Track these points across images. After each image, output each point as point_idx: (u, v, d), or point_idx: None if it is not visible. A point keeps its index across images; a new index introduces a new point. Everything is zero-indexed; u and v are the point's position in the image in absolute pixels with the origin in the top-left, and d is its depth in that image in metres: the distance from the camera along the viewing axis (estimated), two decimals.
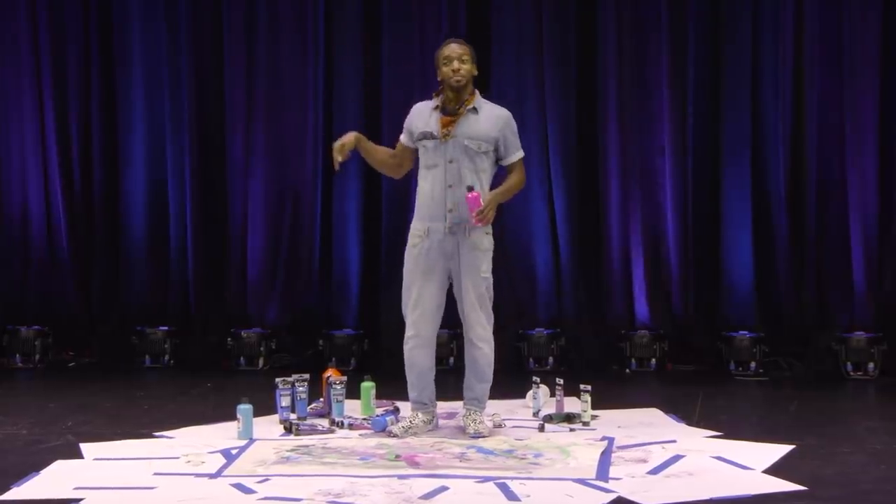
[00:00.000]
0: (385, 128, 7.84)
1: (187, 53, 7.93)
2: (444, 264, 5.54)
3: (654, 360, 7.57)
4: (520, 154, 5.63)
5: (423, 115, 5.61)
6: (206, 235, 8.04)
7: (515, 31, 7.75)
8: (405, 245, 5.64)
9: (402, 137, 5.70)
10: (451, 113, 5.53)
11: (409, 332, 5.59)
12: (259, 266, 7.99)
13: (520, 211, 7.75)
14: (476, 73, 5.57)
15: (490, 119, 5.55)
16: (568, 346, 7.68)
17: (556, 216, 7.76)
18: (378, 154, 5.80)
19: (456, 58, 5.50)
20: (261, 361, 7.75)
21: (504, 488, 4.64)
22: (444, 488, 4.64)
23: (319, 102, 7.90)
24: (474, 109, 5.54)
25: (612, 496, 4.55)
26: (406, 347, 5.60)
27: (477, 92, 5.61)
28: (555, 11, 7.69)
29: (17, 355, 7.89)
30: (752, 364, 7.38)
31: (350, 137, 5.60)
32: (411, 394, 5.65)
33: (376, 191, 7.89)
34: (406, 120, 5.69)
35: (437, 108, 5.59)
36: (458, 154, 5.50)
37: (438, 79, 5.58)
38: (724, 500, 4.51)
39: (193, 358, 7.89)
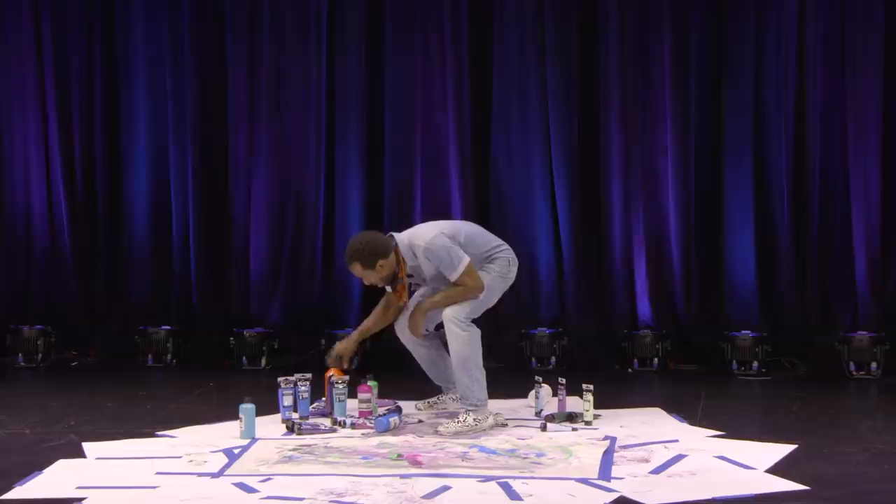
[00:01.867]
0: (387, 127, 7.85)
1: (190, 53, 7.93)
2: None
3: (656, 360, 7.56)
4: (455, 273, 5.65)
5: None
6: (209, 235, 8.04)
7: (517, 30, 7.74)
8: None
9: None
10: (392, 288, 5.85)
11: None
12: (262, 266, 8.00)
13: (522, 211, 7.75)
14: (388, 261, 5.66)
15: (423, 261, 5.72)
16: (570, 346, 7.67)
17: (558, 216, 7.76)
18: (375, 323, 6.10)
19: (360, 278, 5.76)
20: (263, 361, 7.75)
21: (506, 488, 4.64)
22: (446, 488, 4.64)
23: (322, 103, 7.90)
24: (409, 274, 5.78)
25: (614, 496, 4.55)
26: None
27: (402, 256, 5.71)
28: (557, 11, 7.67)
29: (20, 355, 7.88)
30: (755, 364, 7.37)
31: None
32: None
33: (378, 190, 7.90)
34: None
35: None
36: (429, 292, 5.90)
37: None
38: (726, 499, 4.51)
39: (196, 357, 7.90)
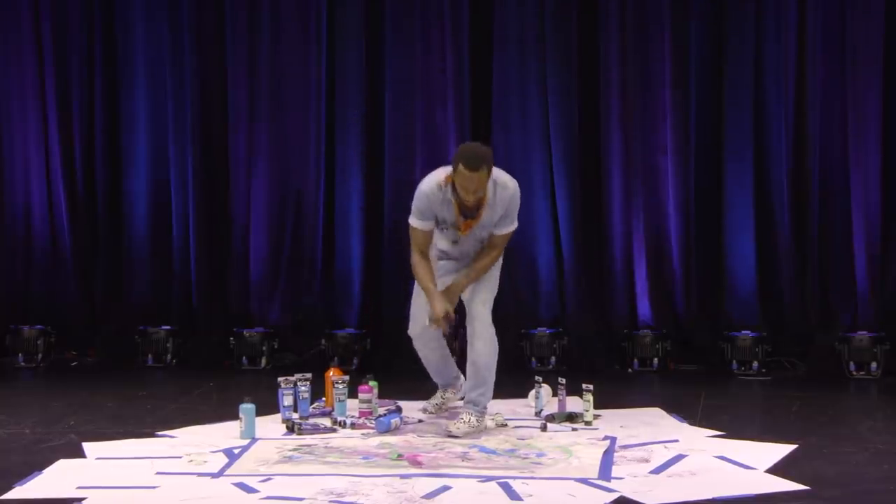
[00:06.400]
0: (387, 126, 7.85)
1: (190, 53, 7.92)
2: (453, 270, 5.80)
3: (656, 360, 7.56)
4: (512, 227, 5.67)
5: (439, 204, 5.53)
6: (209, 235, 8.03)
7: (517, 28, 7.73)
8: (407, 244, 5.69)
9: (424, 224, 5.58)
10: (470, 216, 5.55)
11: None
12: (261, 265, 7.99)
13: (522, 210, 7.71)
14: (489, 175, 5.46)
15: (499, 204, 5.56)
16: (570, 346, 7.67)
17: (558, 215, 7.75)
18: (431, 272, 5.71)
19: (472, 190, 5.39)
20: (263, 361, 7.75)
21: (506, 488, 4.64)
22: (446, 488, 4.64)
23: (322, 102, 7.89)
24: (488, 206, 5.56)
25: (614, 496, 4.55)
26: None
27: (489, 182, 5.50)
28: (557, 9, 7.67)
29: (20, 355, 7.87)
30: (755, 363, 7.37)
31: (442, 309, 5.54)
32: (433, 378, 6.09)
33: (379, 190, 7.89)
34: (420, 203, 5.55)
35: (453, 201, 5.50)
36: (469, 240, 5.67)
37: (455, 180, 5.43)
38: (726, 499, 4.51)
39: (196, 357, 7.89)
